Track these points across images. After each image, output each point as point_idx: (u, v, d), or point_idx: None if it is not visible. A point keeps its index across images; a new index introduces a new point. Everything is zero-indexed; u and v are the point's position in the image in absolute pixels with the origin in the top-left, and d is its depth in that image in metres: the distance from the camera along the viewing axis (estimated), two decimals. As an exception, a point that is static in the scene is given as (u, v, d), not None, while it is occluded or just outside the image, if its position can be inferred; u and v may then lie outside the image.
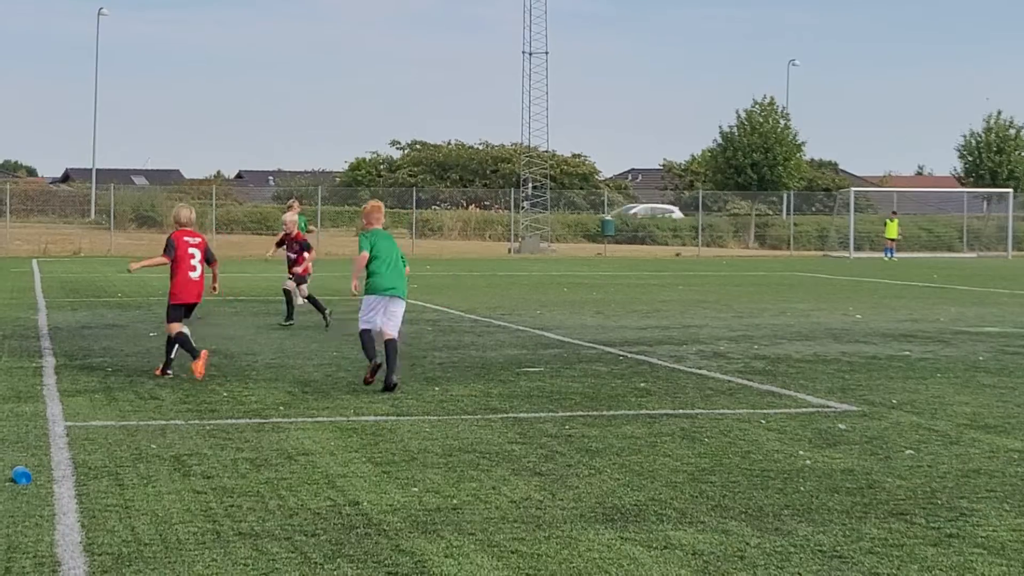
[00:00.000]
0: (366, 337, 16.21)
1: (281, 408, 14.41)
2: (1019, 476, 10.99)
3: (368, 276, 16.20)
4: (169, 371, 17.08)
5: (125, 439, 12.43)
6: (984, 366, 18.75)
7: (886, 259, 67.86)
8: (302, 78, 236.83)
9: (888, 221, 72.01)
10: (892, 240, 70.37)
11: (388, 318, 16.09)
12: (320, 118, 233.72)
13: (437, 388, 16.05)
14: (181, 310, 17.37)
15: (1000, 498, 10.16)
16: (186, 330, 17.33)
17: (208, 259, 17.55)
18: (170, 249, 17.33)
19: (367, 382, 16.07)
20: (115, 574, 7.91)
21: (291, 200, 31.06)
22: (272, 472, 10.95)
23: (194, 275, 17.33)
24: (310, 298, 24.81)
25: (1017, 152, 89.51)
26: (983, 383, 16.92)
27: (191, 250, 17.34)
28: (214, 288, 17.95)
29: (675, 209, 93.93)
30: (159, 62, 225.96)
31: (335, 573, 7.98)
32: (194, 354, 16.75)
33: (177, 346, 17.24)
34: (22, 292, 33.60)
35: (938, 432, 13.14)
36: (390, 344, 15.92)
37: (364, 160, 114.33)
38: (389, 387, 15.70)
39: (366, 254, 16.16)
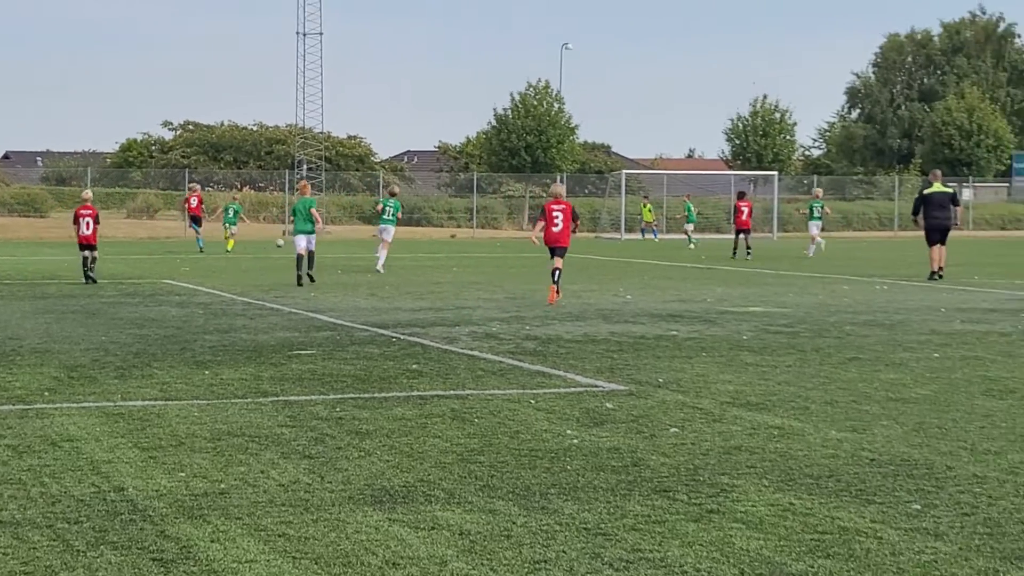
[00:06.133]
0: (299, 260, 31.10)
1: (46, 394, 14.14)
2: (778, 452, 11.29)
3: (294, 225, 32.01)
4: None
5: None
6: (747, 345, 19.19)
7: (656, 240, 69.01)
8: (72, 56, 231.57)
9: (643, 206, 73.35)
10: (649, 222, 71.78)
11: (308, 243, 31.28)
12: (90, 98, 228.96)
13: (207, 372, 15.90)
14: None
15: (760, 474, 10.43)
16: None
17: (574, 216, 26.06)
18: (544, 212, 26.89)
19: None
20: None
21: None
22: (35, 459, 10.75)
23: (555, 229, 26.52)
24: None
25: (782, 135, 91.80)
26: (746, 362, 17.32)
27: (554, 211, 26.53)
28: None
29: None
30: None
31: (98, 560, 7.87)
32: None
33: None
34: None
35: (702, 410, 13.43)
36: (310, 254, 31.36)
37: (136, 141, 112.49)
38: (305, 278, 30.77)
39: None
